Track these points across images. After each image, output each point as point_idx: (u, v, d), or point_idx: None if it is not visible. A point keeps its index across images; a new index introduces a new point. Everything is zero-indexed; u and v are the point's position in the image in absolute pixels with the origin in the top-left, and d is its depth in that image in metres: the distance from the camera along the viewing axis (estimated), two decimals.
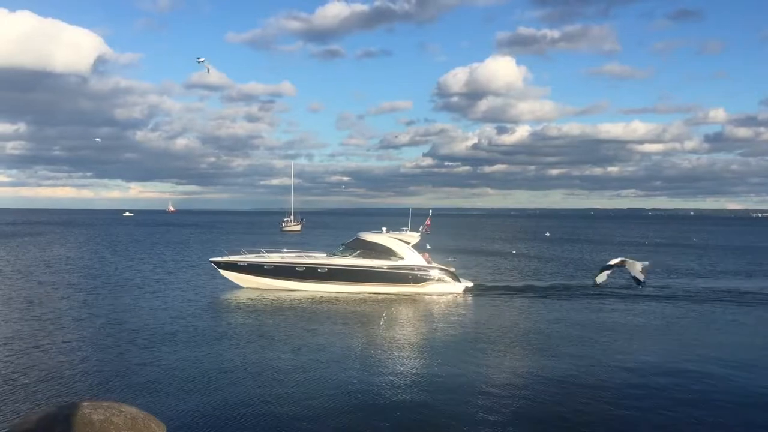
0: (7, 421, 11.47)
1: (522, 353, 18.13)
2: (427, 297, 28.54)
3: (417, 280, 29.40)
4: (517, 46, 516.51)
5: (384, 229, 31.04)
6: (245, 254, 30.73)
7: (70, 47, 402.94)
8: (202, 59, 40.13)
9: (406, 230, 31.38)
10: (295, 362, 16.45)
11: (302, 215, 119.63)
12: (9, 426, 10.20)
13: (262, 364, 16.19)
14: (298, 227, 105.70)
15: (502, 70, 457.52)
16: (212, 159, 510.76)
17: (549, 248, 68.69)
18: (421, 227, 31.92)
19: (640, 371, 15.98)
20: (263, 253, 30.83)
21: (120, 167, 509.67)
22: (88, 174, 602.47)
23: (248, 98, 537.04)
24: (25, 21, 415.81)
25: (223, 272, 30.28)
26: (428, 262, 30.09)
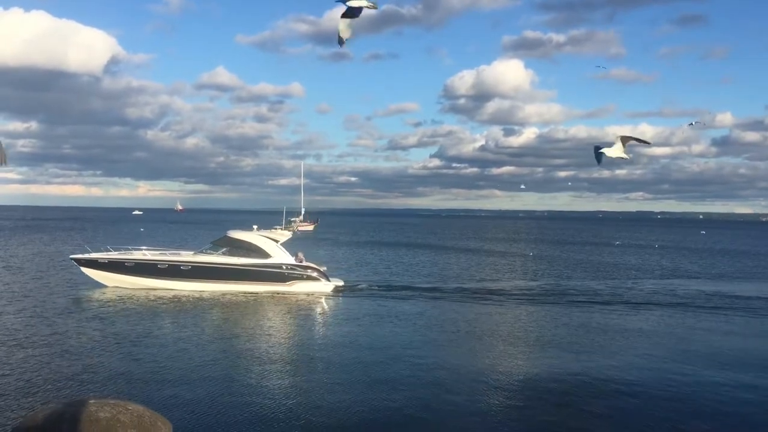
0: (14, 417, 11.45)
1: (372, 355, 17.61)
2: (294, 296, 27.79)
3: (284, 278, 28.62)
4: (523, 49, 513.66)
5: (255, 227, 30.44)
6: (110, 251, 29.32)
7: (84, 47, 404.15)
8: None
9: (279, 228, 30.69)
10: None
11: (312, 215, 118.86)
12: (17, 422, 10.18)
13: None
14: (311, 227, 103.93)
15: (509, 72, 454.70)
16: (221, 159, 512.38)
17: (492, 248, 66.88)
18: (294, 224, 31.59)
19: (489, 373, 15.81)
20: (129, 249, 29.74)
21: (130, 166, 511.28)
22: (98, 172, 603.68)
23: (258, 99, 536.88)
24: (40, 21, 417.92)
25: (84, 270, 28.68)
26: (300, 261, 29.38)
